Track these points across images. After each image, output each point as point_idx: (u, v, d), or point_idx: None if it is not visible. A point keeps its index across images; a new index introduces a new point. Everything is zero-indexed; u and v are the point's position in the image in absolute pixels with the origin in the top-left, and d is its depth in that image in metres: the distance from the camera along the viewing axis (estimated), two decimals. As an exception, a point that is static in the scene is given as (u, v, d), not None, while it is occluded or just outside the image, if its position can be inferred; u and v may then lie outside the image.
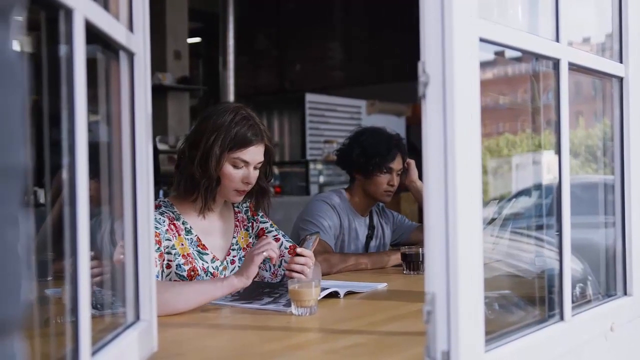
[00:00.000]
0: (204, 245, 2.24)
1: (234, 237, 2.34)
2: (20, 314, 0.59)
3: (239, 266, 2.29)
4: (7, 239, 0.57)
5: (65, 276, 1.09)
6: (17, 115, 0.57)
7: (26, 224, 0.60)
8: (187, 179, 2.20)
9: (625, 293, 1.80)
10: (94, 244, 1.07)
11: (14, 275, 0.57)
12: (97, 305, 1.35)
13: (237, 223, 2.38)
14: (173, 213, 2.21)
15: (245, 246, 2.36)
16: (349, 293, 2.18)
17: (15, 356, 0.58)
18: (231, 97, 8.55)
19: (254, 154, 2.20)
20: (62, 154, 1.02)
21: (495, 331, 1.32)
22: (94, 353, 1.08)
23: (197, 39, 10.19)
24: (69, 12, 0.99)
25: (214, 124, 2.17)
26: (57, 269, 1.39)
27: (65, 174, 1.01)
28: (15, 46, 0.59)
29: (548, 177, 1.94)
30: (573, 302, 1.54)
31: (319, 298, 1.92)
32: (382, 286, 2.34)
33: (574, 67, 1.57)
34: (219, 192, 2.23)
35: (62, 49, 1.02)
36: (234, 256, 2.32)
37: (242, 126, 2.17)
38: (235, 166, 2.19)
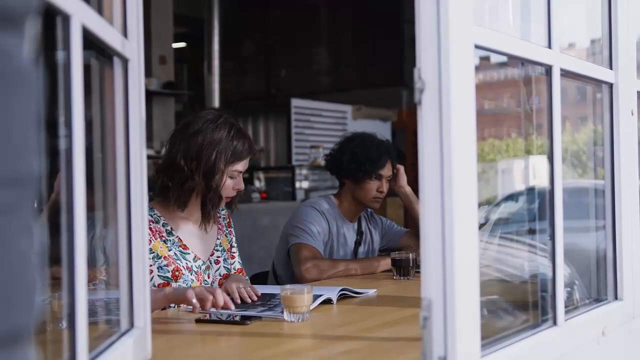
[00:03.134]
0: (185, 245, 2.29)
1: (218, 239, 2.42)
2: (34, 322, 0.58)
3: (224, 266, 2.40)
4: (21, 247, 0.56)
5: (56, 283, 1.08)
6: (31, 123, 0.57)
7: (39, 232, 0.60)
8: (187, 192, 2.25)
9: (616, 297, 1.82)
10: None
11: (29, 283, 0.57)
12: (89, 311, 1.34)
13: (220, 226, 2.46)
14: (152, 216, 2.24)
15: (226, 249, 2.45)
16: (342, 296, 2.18)
17: None
18: (216, 103, 8.53)
19: (246, 163, 2.33)
20: (54, 160, 1.02)
21: (490, 336, 1.33)
22: (90, 361, 1.08)
23: (182, 44, 10.17)
24: (66, 18, 0.99)
25: (211, 139, 2.23)
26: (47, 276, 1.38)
27: (62, 181, 1.00)
28: (29, 54, 0.59)
29: (535, 182, 1.95)
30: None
31: (314, 306, 1.92)
32: (372, 292, 2.35)
33: (565, 74, 1.58)
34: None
35: (59, 55, 1.01)
36: (217, 256, 2.40)
37: (238, 140, 2.28)
38: (231, 177, 2.29)
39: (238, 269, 2.46)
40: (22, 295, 0.56)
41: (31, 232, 0.58)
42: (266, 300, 2.13)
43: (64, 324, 1.08)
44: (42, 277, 0.62)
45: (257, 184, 7.42)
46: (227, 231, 2.49)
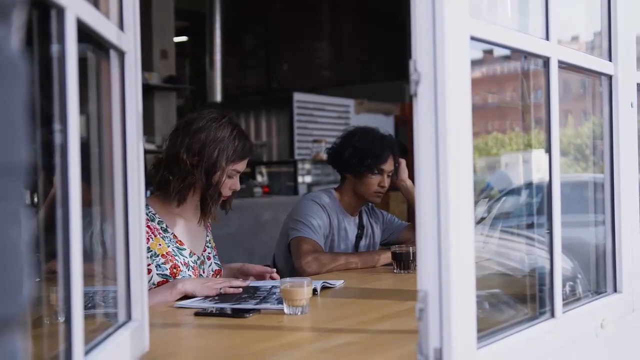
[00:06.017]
0: (180, 241, 2.32)
1: (207, 236, 2.47)
2: (22, 312, 0.59)
3: (215, 262, 2.45)
4: (10, 236, 0.57)
5: (55, 277, 1.08)
6: (19, 113, 0.58)
7: (28, 221, 0.60)
8: (187, 187, 2.27)
9: (615, 290, 1.82)
10: (83, 245, 1.07)
11: (17, 272, 0.58)
12: (86, 304, 1.34)
13: (208, 224, 2.49)
14: (147, 214, 2.25)
15: (214, 246, 2.50)
16: (324, 288, 2.24)
17: (17, 353, 0.58)
18: (218, 97, 8.53)
19: (245, 164, 2.37)
20: (50, 155, 1.02)
21: (487, 328, 1.33)
22: (86, 352, 1.08)
23: (183, 38, 10.17)
24: (60, 11, 0.99)
25: (214, 137, 2.27)
26: (45, 270, 1.38)
27: (57, 175, 1.01)
28: (16, 45, 0.59)
29: (537, 176, 1.95)
30: (563, 299, 1.55)
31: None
32: (339, 283, 2.37)
33: (563, 65, 1.58)
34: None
35: (54, 48, 1.01)
36: (209, 253, 2.44)
37: (240, 140, 2.31)
38: (230, 176, 2.32)
39: (216, 270, 2.46)
40: (10, 283, 0.57)
41: (20, 221, 0.59)
42: (252, 293, 2.14)
43: (63, 317, 1.08)
44: (32, 266, 0.62)
45: (259, 178, 7.42)
46: (211, 230, 2.54)
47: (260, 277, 2.41)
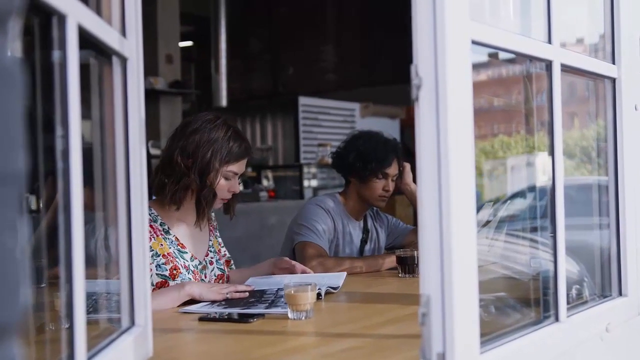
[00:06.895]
0: (182, 244, 2.32)
1: (210, 240, 2.46)
2: (19, 319, 0.59)
3: (217, 267, 2.44)
4: (6, 244, 0.57)
5: (59, 282, 1.09)
6: (16, 121, 0.58)
7: (24, 229, 0.60)
8: (182, 189, 2.27)
9: (620, 294, 1.81)
10: (87, 250, 1.07)
11: (14, 279, 0.58)
12: (89, 309, 1.35)
13: (211, 228, 2.50)
14: (150, 215, 2.25)
15: (217, 250, 2.49)
16: (328, 293, 2.23)
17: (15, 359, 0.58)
18: (224, 102, 8.54)
19: (243, 165, 2.35)
20: (55, 160, 1.02)
21: (490, 333, 1.32)
22: (89, 358, 1.08)
23: (188, 43, 10.18)
24: (62, 18, 0.99)
25: (208, 138, 2.27)
26: (50, 276, 1.39)
27: (59, 181, 1.01)
28: (13, 52, 0.59)
29: (543, 179, 1.95)
30: (569, 303, 1.54)
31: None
32: (342, 277, 2.39)
33: (566, 69, 1.57)
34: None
35: (55, 55, 1.01)
36: (211, 257, 2.44)
37: (235, 141, 2.30)
38: (226, 178, 2.31)
39: (226, 261, 2.51)
40: (6, 291, 0.57)
41: (16, 228, 0.59)
42: (259, 297, 2.13)
43: (68, 323, 1.08)
44: (29, 273, 0.62)
45: (265, 182, 7.42)
46: (216, 233, 2.53)
47: (291, 271, 2.45)
